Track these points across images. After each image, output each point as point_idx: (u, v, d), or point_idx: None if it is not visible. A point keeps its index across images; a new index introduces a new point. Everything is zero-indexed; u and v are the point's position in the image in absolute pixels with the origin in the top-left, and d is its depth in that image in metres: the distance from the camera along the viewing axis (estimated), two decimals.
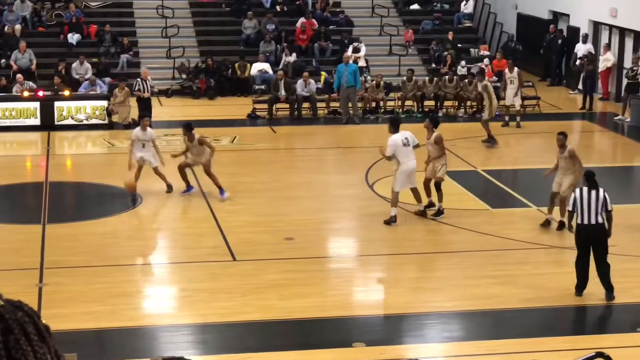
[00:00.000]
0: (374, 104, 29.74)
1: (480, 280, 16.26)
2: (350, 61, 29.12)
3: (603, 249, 15.17)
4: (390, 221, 19.00)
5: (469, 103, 29.95)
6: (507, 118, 27.60)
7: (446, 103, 30.01)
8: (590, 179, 15.41)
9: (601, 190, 15.20)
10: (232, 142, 26.07)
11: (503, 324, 14.78)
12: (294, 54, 32.63)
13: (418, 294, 15.71)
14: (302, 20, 34.64)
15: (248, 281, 16.03)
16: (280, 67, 31.74)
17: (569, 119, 29.60)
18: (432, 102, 29.97)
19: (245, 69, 32.30)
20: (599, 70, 31.23)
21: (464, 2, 37.88)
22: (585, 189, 15.25)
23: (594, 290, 15.72)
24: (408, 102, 29.92)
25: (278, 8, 36.33)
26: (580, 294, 15.32)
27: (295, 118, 28.86)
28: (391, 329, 14.62)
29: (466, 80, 30.03)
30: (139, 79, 27.31)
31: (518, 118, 27.73)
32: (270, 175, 22.93)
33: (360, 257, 18.02)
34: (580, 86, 32.28)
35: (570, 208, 15.43)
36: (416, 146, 19.41)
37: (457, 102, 30.10)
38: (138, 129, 21.38)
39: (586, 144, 26.67)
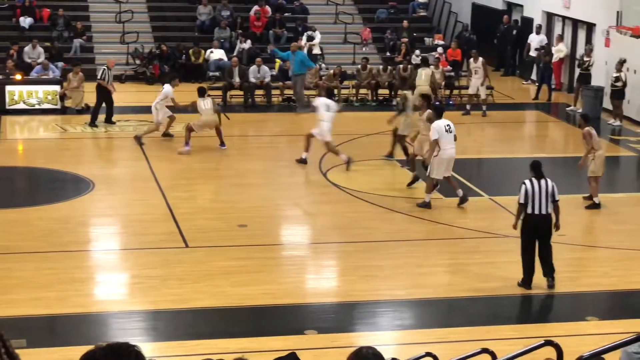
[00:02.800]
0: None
1: (432, 268, 16.34)
2: (305, 50, 29.08)
3: (549, 238, 15.30)
4: (426, 206, 19.06)
5: None
6: (468, 107, 27.65)
7: (401, 92, 30.05)
8: (537, 169, 15.46)
9: (549, 180, 15.32)
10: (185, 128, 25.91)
11: (454, 312, 14.86)
12: (249, 41, 32.54)
13: (370, 282, 15.74)
14: (256, 7, 34.53)
15: (200, 268, 15.99)
16: (234, 53, 31.64)
17: (522, 109, 29.79)
18: (386, 91, 30.02)
19: (200, 55, 32.18)
20: (552, 61, 31.39)
21: None
22: (534, 180, 15.30)
23: (543, 279, 15.85)
24: (362, 91, 29.97)
25: None
26: (530, 287, 15.33)
27: (249, 105, 28.79)
28: (343, 316, 14.63)
29: (420, 69, 30.06)
30: (105, 68, 26.74)
31: (484, 107, 27.80)
32: (224, 162, 22.88)
33: (313, 245, 18.03)
34: (534, 76, 32.50)
35: (522, 200, 15.29)
36: (455, 137, 19.49)
37: (411, 91, 30.09)
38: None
39: (539, 134, 26.88)
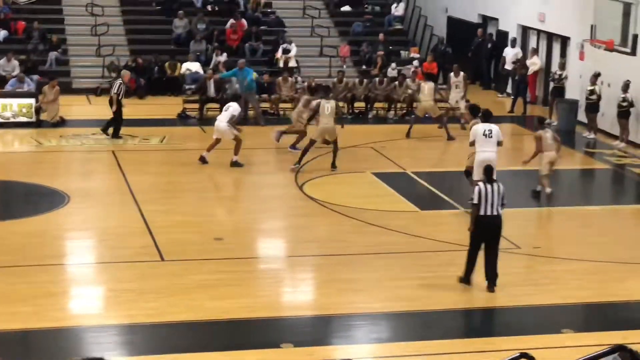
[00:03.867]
0: None
1: (408, 281, 16.35)
2: (281, 63, 29.03)
3: (497, 240, 15.85)
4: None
5: (398, 105, 30.12)
6: (445, 119, 27.68)
7: (376, 105, 30.16)
8: (488, 173, 16.06)
9: (501, 185, 15.85)
10: (161, 141, 25.92)
11: (430, 325, 14.86)
12: (225, 54, 32.51)
13: (346, 295, 15.73)
14: (232, 20, 34.52)
15: (176, 281, 15.94)
16: (211, 66, 31.62)
17: (498, 122, 29.55)
18: (362, 104, 30.07)
19: (176, 68, 32.15)
20: (527, 74, 31.55)
21: (394, 5, 38.09)
22: (488, 185, 15.80)
23: (518, 291, 15.93)
24: (339, 104, 29.93)
25: (209, 8, 36.19)
26: (469, 283, 15.95)
27: None
28: (319, 330, 14.62)
29: (396, 82, 30.19)
30: (120, 82, 26.53)
31: (462, 120, 27.85)
32: (200, 175, 22.84)
33: (289, 258, 18.02)
34: (509, 89, 32.64)
35: (476, 200, 15.78)
36: (499, 143, 20.12)
37: (387, 103, 30.23)
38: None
39: (515, 146, 26.94)
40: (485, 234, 15.80)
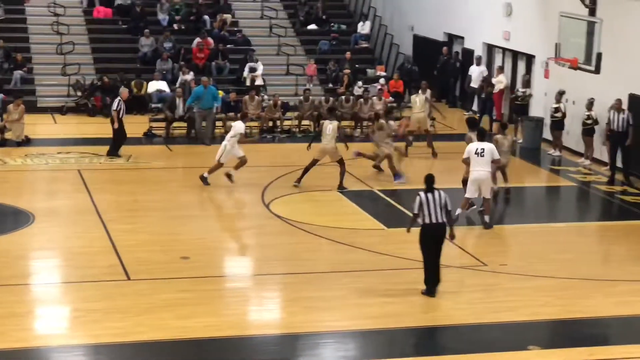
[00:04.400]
0: (271, 124, 29.77)
1: (375, 299, 16.35)
2: (247, 81, 29.02)
3: (440, 247, 16.44)
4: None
5: (365, 123, 30.19)
6: (411, 138, 27.71)
7: (343, 123, 30.14)
8: (428, 183, 16.55)
9: (441, 192, 16.42)
10: (128, 160, 25.82)
11: (397, 342, 14.87)
12: (192, 73, 32.48)
13: (313, 313, 15.72)
14: (198, 39, 34.49)
15: (142, 301, 15.87)
16: (177, 85, 31.57)
17: (463, 139, 29.93)
18: None
19: (142, 87, 32.08)
20: (493, 92, 31.70)
21: (361, 23, 38.22)
22: (428, 193, 16.38)
23: (485, 308, 15.97)
24: (305, 122, 30.03)
25: (175, 26, 36.16)
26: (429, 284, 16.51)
27: (192, 137, 28.72)
28: (286, 348, 14.59)
29: (362, 99, 30.28)
30: (119, 99, 26.50)
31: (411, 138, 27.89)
32: (166, 194, 22.78)
33: (256, 277, 17.98)
34: (475, 107, 32.79)
35: (416, 211, 16.43)
36: (495, 161, 20.58)
37: (353, 122, 30.30)
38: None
39: None
40: (432, 240, 16.39)
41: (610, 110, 25.14)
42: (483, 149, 20.50)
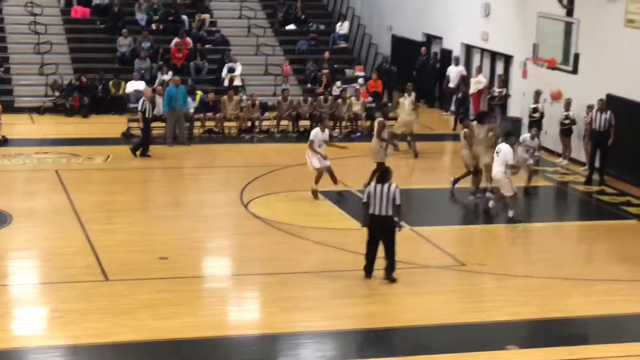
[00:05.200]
0: (249, 124, 29.73)
1: (354, 299, 16.35)
2: (226, 81, 28.96)
3: (391, 239, 16.82)
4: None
5: (344, 123, 30.20)
6: (396, 142, 27.64)
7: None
8: (381, 175, 16.95)
9: (392, 186, 16.62)
10: (105, 160, 25.72)
11: (376, 342, 14.88)
12: (170, 72, 32.38)
13: (292, 314, 15.70)
14: (176, 39, 34.39)
15: (121, 301, 15.80)
16: (155, 85, 31.47)
17: (442, 139, 30.05)
18: (307, 122, 30.09)
19: (120, 87, 31.97)
20: (471, 92, 31.80)
21: (339, 23, 38.22)
22: (378, 185, 16.73)
23: (464, 308, 16.00)
24: (283, 122, 30.01)
25: (154, 26, 36.05)
26: (369, 276, 17.02)
27: (171, 137, 28.60)
28: (265, 348, 14.57)
29: (340, 100, 30.28)
30: (143, 99, 26.54)
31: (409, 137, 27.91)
32: (144, 194, 22.74)
33: (235, 277, 17.95)
34: (453, 108, 32.84)
35: (365, 200, 16.87)
36: (512, 167, 21.28)
37: (332, 122, 30.28)
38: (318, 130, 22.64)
39: (458, 164, 27.01)
40: (376, 230, 16.80)
41: (593, 110, 25.18)
42: (500, 149, 21.19)
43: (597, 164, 25.01)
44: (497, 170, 21.11)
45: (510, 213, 21.09)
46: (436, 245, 19.48)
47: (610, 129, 24.69)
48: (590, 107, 25.51)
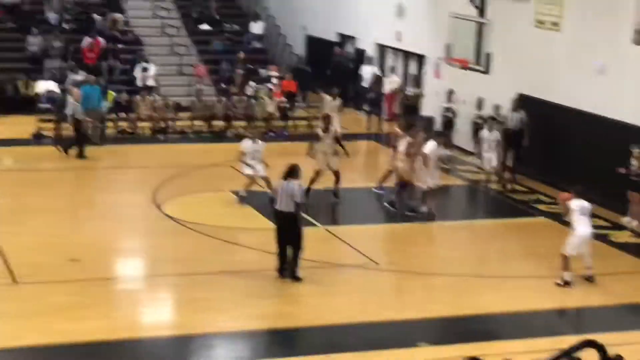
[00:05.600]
0: (163, 124, 29.55)
1: (267, 299, 16.36)
2: (139, 81, 28.72)
3: (295, 235, 16.95)
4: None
5: (258, 123, 30.18)
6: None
7: (236, 123, 30.12)
8: (287, 171, 17.06)
9: (296, 183, 16.85)
10: (15, 162, 25.36)
11: (290, 342, 14.93)
12: (82, 73, 32.02)
13: (206, 314, 15.63)
14: (88, 38, 34.03)
15: (30, 304, 15.58)
16: (67, 85, 31.08)
17: (356, 139, 30.16)
18: (221, 123, 30.01)
19: (30, 86, 31.54)
20: (385, 92, 32.03)
21: (254, 23, 38.16)
22: (284, 180, 16.98)
23: (376, 306, 16.09)
24: (197, 123, 29.88)
25: (65, 25, 35.62)
26: (282, 275, 17.07)
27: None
28: (179, 350, 14.49)
29: (254, 100, 30.25)
30: (72, 100, 26.23)
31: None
32: (55, 196, 22.44)
33: (148, 278, 17.83)
34: (366, 107, 33.02)
35: (272, 195, 17.44)
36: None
37: (246, 122, 30.25)
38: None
39: (371, 163, 27.25)
40: (280, 226, 17.03)
41: (508, 109, 25.52)
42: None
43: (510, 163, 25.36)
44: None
45: (424, 207, 21.23)
46: (350, 244, 19.56)
47: (524, 128, 25.04)
48: (497, 107, 25.93)
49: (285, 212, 16.87)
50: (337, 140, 22.97)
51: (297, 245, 16.99)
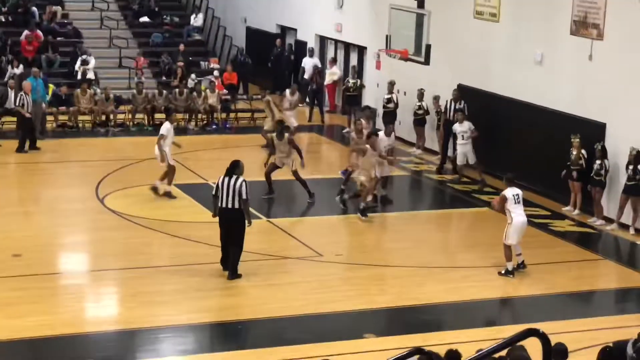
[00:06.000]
0: (103, 117, 29.37)
1: (212, 292, 16.38)
2: (79, 75, 28.51)
3: (237, 233, 16.83)
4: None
5: (199, 116, 30.12)
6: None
7: (177, 116, 29.97)
8: (229, 168, 16.95)
9: (239, 180, 16.70)
10: None
11: (236, 335, 14.96)
12: (21, 66, 31.72)
13: (151, 308, 15.62)
14: (26, 31, 33.67)
15: None
16: (5, 79, 30.77)
17: (299, 131, 30.17)
18: (162, 115, 29.85)
19: None
20: (325, 83, 32.11)
21: (193, 15, 38.05)
22: (226, 177, 16.77)
23: (321, 298, 16.18)
24: (139, 115, 29.73)
25: (2, 18, 35.23)
26: (227, 267, 16.94)
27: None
28: (124, 344, 14.48)
29: (195, 92, 30.18)
30: (22, 93, 26.08)
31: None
32: None
33: (91, 273, 17.74)
34: (307, 99, 33.07)
35: (214, 192, 16.92)
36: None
37: (187, 114, 30.17)
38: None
39: (314, 155, 27.29)
40: (224, 224, 16.81)
41: (447, 100, 25.74)
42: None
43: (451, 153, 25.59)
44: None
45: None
46: (294, 236, 19.64)
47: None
48: (436, 98, 26.19)
49: (230, 208, 16.74)
50: (292, 143, 22.66)
51: (238, 244, 16.89)
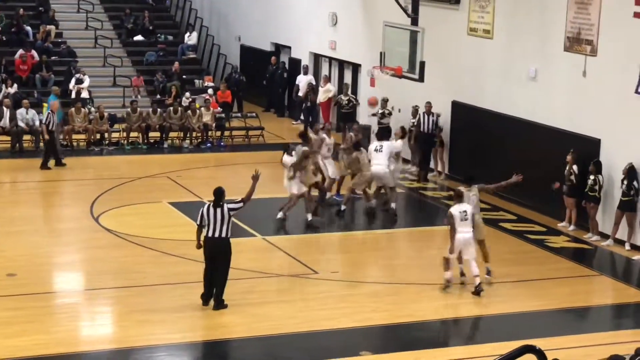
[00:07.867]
0: (98, 136, 29.34)
1: (207, 310, 16.30)
2: (73, 93, 28.49)
3: (224, 263, 16.25)
4: None
5: (194, 134, 30.10)
6: None
7: (171, 134, 30.01)
8: (216, 196, 16.23)
9: (226, 207, 16.10)
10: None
11: (231, 353, 14.94)
12: (15, 85, 31.72)
13: (146, 327, 15.56)
14: (21, 51, 33.67)
15: None
16: (0, 97, 30.73)
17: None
18: (157, 134, 29.88)
19: None
20: (320, 101, 32.14)
21: (187, 34, 38.09)
22: (211, 205, 16.13)
23: (316, 316, 16.14)
24: (133, 134, 29.72)
25: None
26: (206, 304, 16.25)
27: (17, 151, 28.05)
28: None
29: (190, 110, 30.17)
30: (48, 111, 26.31)
31: None
32: None
33: (86, 291, 17.69)
34: (302, 116, 33.10)
35: (198, 222, 16.23)
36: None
37: (182, 133, 30.15)
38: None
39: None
40: (210, 255, 16.19)
41: (420, 112, 26.13)
42: (381, 145, 22.72)
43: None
44: (383, 165, 22.27)
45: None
46: (289, 254, 19.59)
47: (436, 131, 25.72)
48: (415, 108, 26.69)
49: (217, 238, 16.09)
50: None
51: (224, 274, 16.28)
